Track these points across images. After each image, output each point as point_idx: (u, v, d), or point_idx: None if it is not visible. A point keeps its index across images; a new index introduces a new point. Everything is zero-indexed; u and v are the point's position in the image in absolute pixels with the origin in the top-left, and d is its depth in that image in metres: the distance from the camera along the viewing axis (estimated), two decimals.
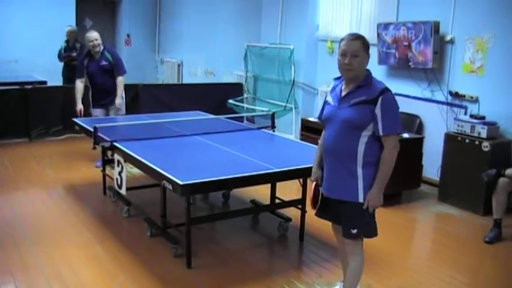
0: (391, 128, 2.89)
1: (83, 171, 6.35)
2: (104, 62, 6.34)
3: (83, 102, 6.46)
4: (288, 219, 4.70)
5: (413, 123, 6.31)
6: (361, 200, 2.94)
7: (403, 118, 6.37)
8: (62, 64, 8.84)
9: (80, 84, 6.42)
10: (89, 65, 6.38)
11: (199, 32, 10.50)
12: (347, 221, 3.02)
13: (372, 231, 3.06)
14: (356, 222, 2.99)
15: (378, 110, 2.86)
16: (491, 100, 5.61)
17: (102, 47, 6.36)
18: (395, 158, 2.93)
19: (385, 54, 6.52)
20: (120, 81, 6.40)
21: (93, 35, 6.30)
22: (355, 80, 2.96)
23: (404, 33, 6.27)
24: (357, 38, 3.01)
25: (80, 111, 6.38)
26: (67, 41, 8.72)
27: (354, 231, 2.99)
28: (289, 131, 7.88)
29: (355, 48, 2.95)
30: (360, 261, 3.12)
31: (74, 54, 8.59)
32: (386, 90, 2.90)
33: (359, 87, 2.94)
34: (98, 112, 6.42)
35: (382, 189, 2.94)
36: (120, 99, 6.37)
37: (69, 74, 8.65)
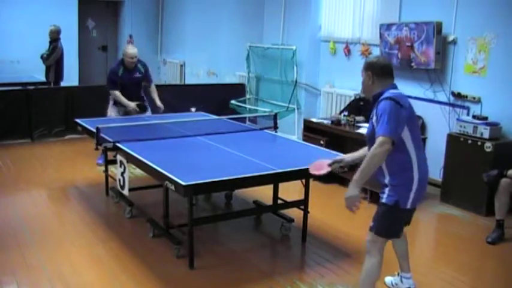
0: (379, 130, 3.02)
1: (85, 172, 6.35)
2: (137, 75, 6.53)
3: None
4: (291, 220, 4.71)
5: None
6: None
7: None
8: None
9: (118, 92, 6.41)
10: (122, 76, 6.43)
11: (202, 33, 10.52)
12: None
13: (378, 229, 3.19)
14: (374, 217, 3.24)
15: (374, 117, 3.15)
16: (493, 101, 5.61)
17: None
18: (378, 156, 2.99)
19: (387, 54, 6.51)
20: (154, 88, 6.77)
21: (134, 52, 6.38)
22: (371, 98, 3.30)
23: (407, 33, 6.27)
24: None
25: (135, 108, 6.45)
26: (50, 42, 8.74)
27: (371, 224, 3.23)
28: (291, 131, 7.88)
29: (362, 70, 3.33)
30: (373, 264, 3.22)
31: (45, 55, 8.62)
32: (384, 99, 3.09)
33: (373, 105, 3.22)
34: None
35: (354, 183, 3.05)
36: (159, 102, 6.65)
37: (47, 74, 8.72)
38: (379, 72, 3.22)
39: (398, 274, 3.67)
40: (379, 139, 2.99)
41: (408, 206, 3.14)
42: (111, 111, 6.50)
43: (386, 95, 3.11)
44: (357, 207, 3.05)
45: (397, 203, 3.11)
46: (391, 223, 3.21)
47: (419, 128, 3.28)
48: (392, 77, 3.27)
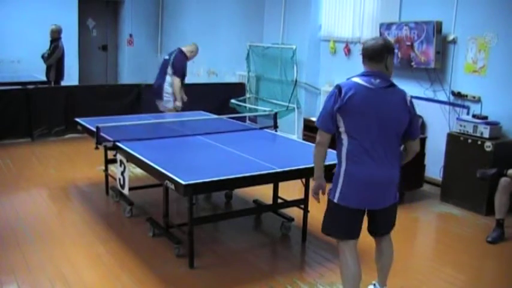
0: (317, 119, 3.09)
1: (85, 171, 6.36)
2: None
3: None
4: (291, 219, 4.71)
5: None
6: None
7: None
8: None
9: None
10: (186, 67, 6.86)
11: (202, 32, 10.51)
12: None
13: (323, 226, 3.23)
14: None
15: None
16: (493, 100, 5.61)
17: None
18: (313, 149, 3.10)
19: None
20: None
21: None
22: None
23: (407, 33, 6.27)
24: None
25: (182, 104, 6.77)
26: (50, 41, 8.74)
27: None
28: (291, 131, 7.88)
29: None
30: (339, 260, 3.21)
31: (46, 55, 8.61)
32: (334, 86, 3.04)
33: None
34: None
35: (315, 178, 3.15)
36: None
37: (47, 73, 8.71)
38: (363, 55, 3.07)
39: (374, 285, 3.50)
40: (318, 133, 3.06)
41: (336, 200, 3.04)
42: (171, 102, 6.73)
43: (342, 81, 3.05)
44: (317, 197, 3.17)
45: (329, 195, 3.11)
46: (327, 218, 3.19)
47: (375, 121, 2.93)
48: (376, 62, 2.99)
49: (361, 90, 2.94)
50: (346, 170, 3.00)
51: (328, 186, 3.15)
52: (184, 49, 6.81)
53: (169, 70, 6.67)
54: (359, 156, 2.97)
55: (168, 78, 6.68)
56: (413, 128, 3.11)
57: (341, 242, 3.15)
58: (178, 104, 6.67)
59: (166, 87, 6.69)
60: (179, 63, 6.69)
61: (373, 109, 2.94)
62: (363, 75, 3.02)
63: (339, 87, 2.96)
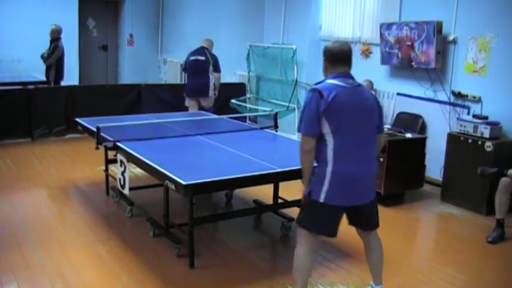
0: (299, 126, 3.08)
1: (85, 171, 6.35)
2: None
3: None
4: (291, 219, 4.70)
5: (416, 123, 6.31)
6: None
7: (406, 118, 6.38)
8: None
9: None
10: None
11: (202, 32, 10.47)
12: None
13: (299, 219, 3.23)
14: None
15: None
16: (494, 100, 5.61)
17: None
18: (302, 157, 3.08)
19: (388, 54, 6.50)
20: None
21: None
22: None
23: (407, 33, 6.27)
24: None
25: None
26: (50, 41, 8.73)
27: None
28: (291, 131, 7.87)
29: None
30: (297, 252, 3.25)
31: (45, 55, 8.59)
32: (309, 90, 3.07)
33: None
34: None
35: (306, 181, 3.14)
36: None
37: (47, 73, 8.70)
38: (330, 58, 3.16)
39: (371, 286, 3.48)
40: (301, 139, 3.05)
41: (321, 200, 3.02)
42: (213, 98, 7.41)
43: (316, 85, 3.07)
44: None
45: (310, 194, 3.08)
46: (306, 214, 3.16)
47: (357, 118, 3.04)
48: (346, 65, 3.13)
49: (341, 90, 3.03)
50: (333, 169, 3.00)
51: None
52: (206, 46, 7.37)
53: (211, 68, 7.25)
54: (346, 154, 3.02)
55: (210, 76, 7.24)
56: (381, 121, 3.25)
57: (311, 235, 3.18)
58: (216, 93, 7.44)
59: (211, 85, 7.27)
60: (216, 59, 7.35)
61: (353, 107, 3.04)
62: (336, 77, 3.10)
63: (318, 91, 3.00)
